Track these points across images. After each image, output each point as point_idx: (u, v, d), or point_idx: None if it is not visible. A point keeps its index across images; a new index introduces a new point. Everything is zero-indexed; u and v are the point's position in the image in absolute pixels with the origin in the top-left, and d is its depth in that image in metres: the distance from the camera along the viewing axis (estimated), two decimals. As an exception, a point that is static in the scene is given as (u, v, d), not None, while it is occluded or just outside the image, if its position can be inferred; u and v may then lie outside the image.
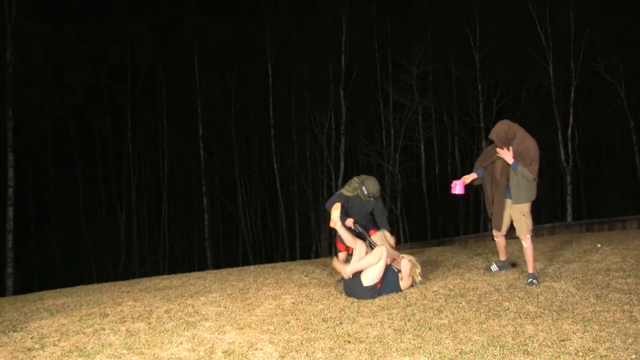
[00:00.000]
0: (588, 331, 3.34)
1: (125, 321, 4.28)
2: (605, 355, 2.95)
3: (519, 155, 4.58)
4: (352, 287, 4.65)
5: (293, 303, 4.62)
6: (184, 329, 3.93)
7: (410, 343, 3.35)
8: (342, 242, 5.25)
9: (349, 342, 3.44)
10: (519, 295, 4.32)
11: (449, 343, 3.31)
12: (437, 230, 22.39)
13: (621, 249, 6.05)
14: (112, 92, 24.80)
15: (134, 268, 23.07)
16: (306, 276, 5.93)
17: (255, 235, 26.95)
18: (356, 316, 4.06)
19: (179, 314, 4.43)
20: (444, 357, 3.09)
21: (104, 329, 4.06)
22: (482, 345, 3.23)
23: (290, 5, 24.17)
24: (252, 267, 7.52)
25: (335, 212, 4.86)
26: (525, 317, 3.72)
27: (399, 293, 4.71)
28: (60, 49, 20.74)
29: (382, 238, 5.26)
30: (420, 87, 21.63)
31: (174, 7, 25.08)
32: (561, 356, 2.99)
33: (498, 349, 3.15)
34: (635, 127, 19.20)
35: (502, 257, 5.36)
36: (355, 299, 4.59)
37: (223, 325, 3.98)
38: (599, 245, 6.48)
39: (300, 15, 23.56)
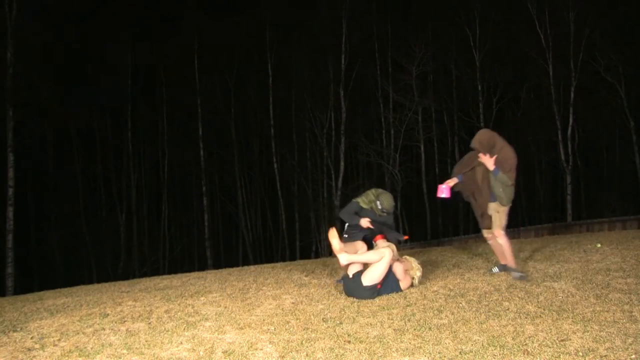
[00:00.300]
0: (588, 331, 3.34)
1: (125, 321, 4.28)
2: (605, 355, 2.95)
3: (499, 162, 4.85)
4: (352, 287, 4.64)
5: (293, 303, 4.62)
6: (184, 329, 3.93)
7: (410, 343, 3.35)
8: (347, 242, 5.26)
9: (349, 342, 3.44)
10: (519, 295, 4.32)
11: (449, 343, 3.31)
12: (437, 230, 22.39)
13: (621, 249, 6.05)
14: (112, 92, 24.78)
15: (134, 268, 23.07)
16: (306, 276, 5.93)
17: (255, 235, 26.95)
18: (356, 316, 4.06)
19: (179, 314, 4.43)
20: (444, 357, 3.09)
21: (104, 329, 4.06)
22: (482, 345, 3.23)
23: (290, 5, 24.19)
24: (252, 267, 7.52)
25: (335, 240, 4.84)
26: (525, 317, 3.72)
27: (399, 293, 4.71)
28: (60, 49, 20.74)
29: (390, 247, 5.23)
30: (420, 87, 21.64)
31: (174, 7, 25.09)
32: (561, 356, 2.98)
33: (498, 349, 3.15)
34: (635, 127, 19.20)
35: (503, 261, 5.34)
36: (355, 299, 4.59)
37: (223, 325, 3.98)
38: (599, 245, 6.48)
39: (300, 15, 23.57)
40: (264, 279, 5.89)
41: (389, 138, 22.07)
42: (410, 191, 22.97)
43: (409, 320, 3.84)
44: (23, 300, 5.85)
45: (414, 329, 3.62)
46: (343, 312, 4.20)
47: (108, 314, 4.55)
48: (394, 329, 3.66)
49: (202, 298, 5.02)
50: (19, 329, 4.21)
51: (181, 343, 3.60)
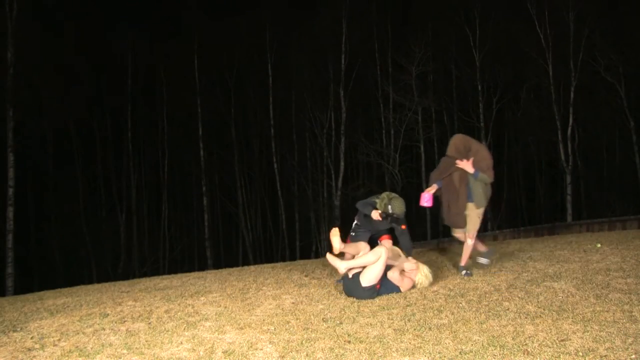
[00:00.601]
0: (588, 331, 3.34)
1: (125, 321, 4.28)
2: (605, 355, 2.95)
3: (476, 163, 5.09)
4: (352, 287, 4.65)
5: (293, 303, 4.62)
6: (184, 329, 3.93)
7: (410, 343, 3.35)
8: (353, 240, 5.30)
9: (349, 342, 3.44)
10: (519, 295, 4.32)
11: (449, 343, 3.31)
12: (437, 230, 22.38)
13: (621, 249, 6.05)
14: (112, 92, 24.78)
15: (134, 268, 23.07)
16: (306, 276, 5.93)
17: (255, 235, 26.95)
18: (356, 316, 4.06)
19: (179, 314, 4.43)
20: (444, 357, 3.09)
21: (104, 329, 4.06)
22: (482, 345, 3.23)
23: (290, 5, 24.20)
24: (252, 267, 7.52)
25: (335, 239, 4.87)
26: (525, 317, 3.72)
27: (399, 293, 4.71)
28: (60, 49, 20.73)
29: (397, 253, 5.20)
30: (420, 87, 21.63)
31: (174, 7, 25.08)
32: (561, 356, 2.98)
33: (498, 349, 3.15)
34: (635, 127, 19.20)
35: (482, 248, 5.59)
36: (355, 299, 4.59)
37: (223, 325, 3.98)
38: (599, 245, 6.48)
39: (300, 15, 23.56)
40: (264, 279, 5.89)
41: (389, 138, 22.07)
42: (410, 191, 22.96)
43: (409, 320, 3.85)
44: (23, 300, 5.86)
45: (414, 329, 3.62)
46: (343, 312, 4.20)
47: (108, 314, 4.55)
48: (394, 329, 3.66)
49: (202, 298, 5.02)
50: (19, 329, 4.21)
51: (181, 343, 3.60)
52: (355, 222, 5.60)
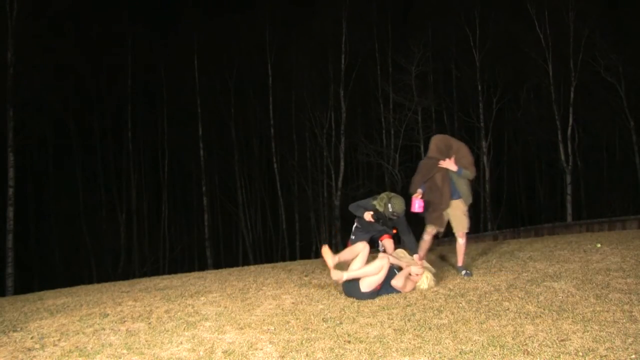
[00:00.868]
0: (588, 331, 3.34)
1: (125, 321, 4.28)
2: (605, 355, 2.95)
3: (458, 161, 5.21)
4: (351, 290, 4.66)
5: (293, 303, 4.62)
6: (184, 329, 3.93)
7: (410, 343, 3.35)
8: (353, 244, 5.29)
9: (349, 342, 3.44)
10: (519, 295, 4.32)
11: (449, 343, 3.31)
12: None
13: (621, 249, 6.05)
14: (112, 91, 24.78)
15: (134, 268, 23.07)
16: (306, 276, 5.93)
17: (255, 235, 26.94)
18: (356, 316, 4.06)
19: (179, 314, 4.43)
20: (444, 357, 3.09)
21: (104, 329, 4.06)
22: (482, 345, 3.23)
23: (290, 5, 24.19)
24: (252, 267, 7.52)
25: (327, 256, 4.87)
26: (525, 317, 3.72)
27: (399, 293, 4.71)
28: (60, 49, 20.72)
29: (400, 253, 5.18)
30: (420, 87, 21.63)
31: (174, 7, 25.10)
32: (561, 356, 2.98)
33: (498, 349, 3.15)
34: (635, 127, 19.20)
35: (461, 263, 5.51)
36: (355, 299, 4.60)
37: (223, 325, 3.98)
38: (599, 245, 6.48)
39: (300, 15, 23.55)
40: (264, 279, 5.89)
41: (389, 138, 22.06)
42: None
43: (409, 320, 3.85)
44: (23, 300, 5.86)
45: (414, 329, 3.62)
46: (343, 312, 4.20)
47: (108, 314, 4.55)
48: (394, 329, 3.66)
49: (202, 298, 5.02)
50: (19, 329, 4.21)
51: (181, 343, 3.60)
52: (355, 224, 5.60)
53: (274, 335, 3.67)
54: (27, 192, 23.66)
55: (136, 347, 3.55)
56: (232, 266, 8.77)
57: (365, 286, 4.57)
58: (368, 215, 5.28)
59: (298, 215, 25.22)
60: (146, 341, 3.68)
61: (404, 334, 3.53)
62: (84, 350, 3.54)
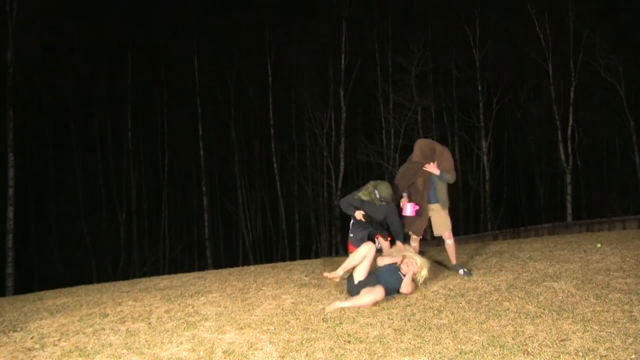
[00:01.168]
0: (588, 331, 3.34)
1: (125, 321, 4.28)
2: (605, 355, 2.95)
3: (440, 164, 5.30)
4: (356, 291, 4.59)
5: (293, 303, 4.62)
6: (184, 329, 3.93)
7: (410, 343, 3.35)
8: (354, 244, 5.32)
9: (349, 342, 3.44)
10: (519, 295, 4.32)
11: (449, 343, 3.31)
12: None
13: (621, 249, 6.05)
14: (112, 91, 24.77)
15: (134, 268, 23.05)
16: (306, 276, 5.93)
17: (255, 235, 26.93)
18: (356, 316, 4.06)
19: (179, 314, 4.43)
20: (444, 357, 3.09)
21: (104, 329, 4.06)
22: (482, 345, 3.23)
23: (290, 5, 24.19)
24: (252, 267, 7.52)
25: (332, 277, 4.84)
26: (525, 317, 3.72)
27: (399, 293, 4.71)
28: (60, 48, 20.72)
29: (398, 249, 5.20)
30: (420, 87, 21.63)
31: (174, 7, 25.06)
32: (561, 356, 2.99)
33: (498, 349, 3.15)
34: (635, 127, 19.19)
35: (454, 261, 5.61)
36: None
37: (223, 325, 3.98)
38: (599, 245, 6.48)
39: (300, 15, 23.54)
40: (264, 279, 5.89)
41: (389, 138, 22.04)
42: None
43: (409, 320, 3.85)
44: (23, 300, 5.86)
45: (414, 329, 3.62)
46: (343, 312, 4.20)
47: (108, 314, 4.55)
48: (394, 329, 3.66)
49: (202, 298, 5.02)
50: (19, 329, 4.21)
51: (181, 343, 3.60)
52: (352, 221, 5.59)
53: (274, 335, 3.67)
54: (27, 192, 23.65)
55: (136, 347, 3.55)
56: (232, 266, 8.76)
57: (366, 300, 4.41)
58: (359, 215, 5.31)
59: (298, 215, 25.22)
60: (146, 341, 3.68)
61: (404, 334, 3.53)
62: (84, 350, 3.54)
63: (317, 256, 22.68)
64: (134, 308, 4.75)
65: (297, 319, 4.07)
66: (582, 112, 19.98)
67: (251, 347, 3.45)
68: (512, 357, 3.02)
